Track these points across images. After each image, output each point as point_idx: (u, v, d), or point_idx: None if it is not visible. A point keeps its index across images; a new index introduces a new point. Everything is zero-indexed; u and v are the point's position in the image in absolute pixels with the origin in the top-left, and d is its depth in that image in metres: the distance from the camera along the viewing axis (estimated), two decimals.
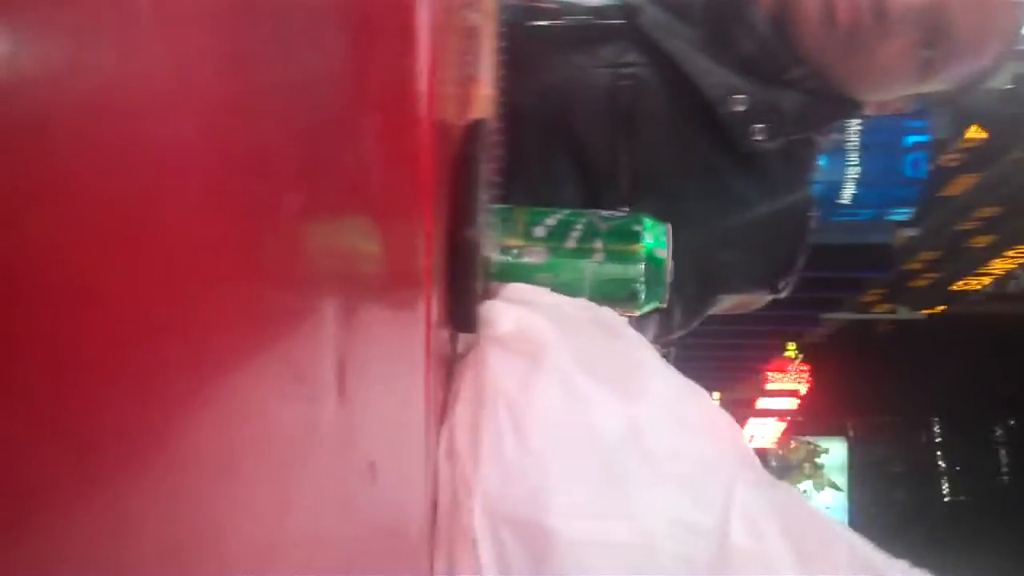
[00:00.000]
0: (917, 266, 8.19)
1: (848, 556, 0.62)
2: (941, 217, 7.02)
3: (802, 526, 0.63)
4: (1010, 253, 7.89)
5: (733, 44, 1.12)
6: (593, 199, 1.09)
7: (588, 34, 1.16)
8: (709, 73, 1.11)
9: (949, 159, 6.06)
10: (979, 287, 8.89)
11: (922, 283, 8.68)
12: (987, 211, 6.98)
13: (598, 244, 0.80)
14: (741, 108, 1.09)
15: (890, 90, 1.15)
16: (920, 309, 9.20)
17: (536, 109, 1.11)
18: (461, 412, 0.64)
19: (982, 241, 7.58)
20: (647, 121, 1.11)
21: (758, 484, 0.65)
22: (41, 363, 0.18)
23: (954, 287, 8.86)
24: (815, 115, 1.14)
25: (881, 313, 9.73)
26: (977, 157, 6.16)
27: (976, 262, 8.18)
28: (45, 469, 0.18)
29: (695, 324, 1.21)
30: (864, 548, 0.64)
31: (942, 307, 9.27)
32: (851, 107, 1.18)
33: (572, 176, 1.11)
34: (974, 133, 5.91)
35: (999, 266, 8.12)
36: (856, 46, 1.07)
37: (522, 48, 1.00)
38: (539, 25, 1.17)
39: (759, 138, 1.10)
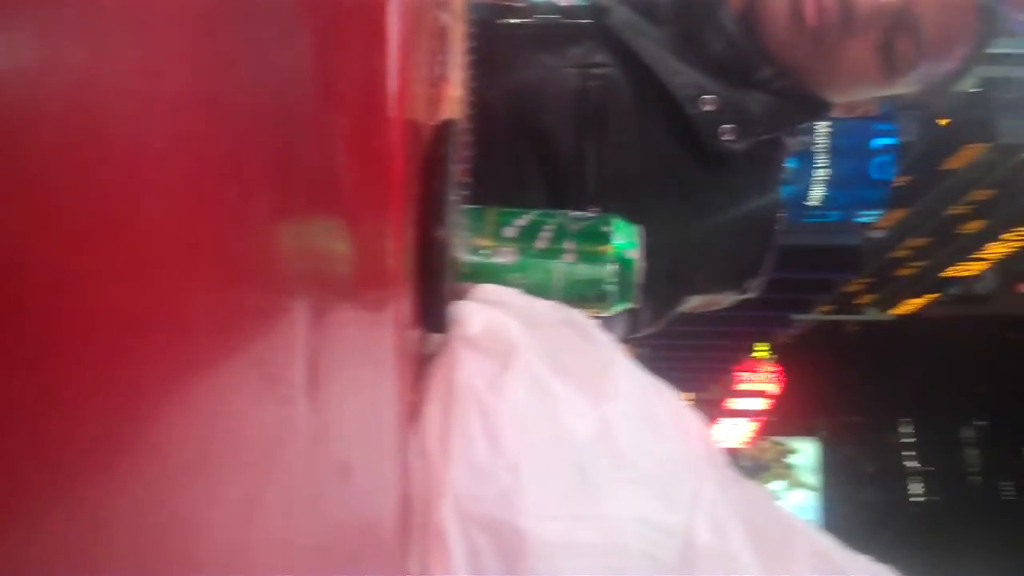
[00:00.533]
0: (904, 254, 8.05)
1: (810, 552, 0.63)
2: (932, 200, 6.85)
3: (764, 523, 0.63)
4: (1006, 236, 7.64)
5: (701, 44, 1.13)
6: (561, 198, 1.09)
7: (557, 34, 1.16)
8: (678, 73, 1.11)
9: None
10: (972, 274, 8.62)
11: (909, 271, 8.52)
12: (981, 195, 6.80)
13: (568, 245, 0.80)
14: (709, 108, 1.10)
15: (858, 90, 1.16)
16: (906, 299, 9.10)
17: (505, 108, 1.11)
18: (432, 413, 0.64)
19: (973, 226, 7.36)
20: (615, 121, 1.11)
21: (724, 483, 0.66)
22: (10, 361, 0.18)
23: (944, 274, 8.65)
24: (783, 116, 1.14)
25: (849, 315, 9.74)
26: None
27: (967, 248, 7.98)
28: (17, 468, 0.18)
29: (663, 323, 1.22)
30: (826, 545, 0.64)
31: (931, 296, 9.08)
32: (819, 108, 1.19)
33: (540, 175, 1.11)
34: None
35: (994, 250, 7.86)
36: (824, 45, 1.07)
37: (491, 47, 1.01)
38: (508, 24, 1.17)
39: (727, 139, 1.10)
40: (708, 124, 1.10)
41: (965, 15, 1.08)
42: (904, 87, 1.13)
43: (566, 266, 0.80)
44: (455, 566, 0.59)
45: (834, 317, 9.88)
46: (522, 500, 0.60)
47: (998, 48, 4.67)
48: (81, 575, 0.21)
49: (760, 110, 1.11)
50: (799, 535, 0.64)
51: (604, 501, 0.61)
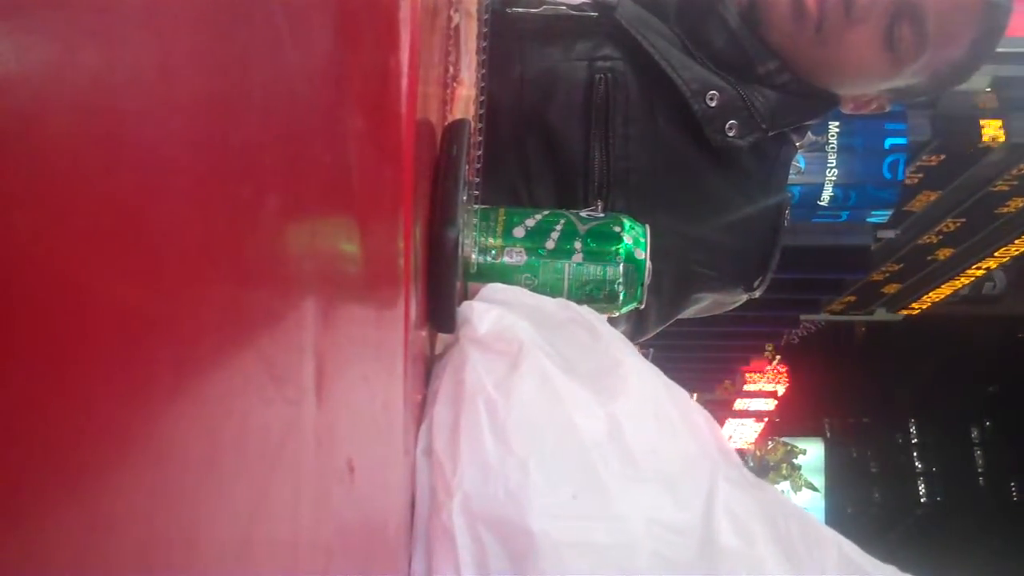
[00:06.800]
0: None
1: (837, 559, 0.63)
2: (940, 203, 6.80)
3: (790, 528, 0.63)
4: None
5: (705, 39, 1.13)
6: (568, 192, 1.10)
7: (565, 27, 1.16)
8: (684, 68, 1.11)
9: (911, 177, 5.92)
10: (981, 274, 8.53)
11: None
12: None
13: (577, 245, 0.80)
14: (715, 104, 1.09)
15: (863, 81, 1.15)
16: (916, 299, 9.05)
17: (512, 100, 1.11)
18: (440, 412, 0.64)
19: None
20: (622, 115, 1.11)
21: (740, 483, 0.65)
22: (22, 362, 0.18)
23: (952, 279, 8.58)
24: (789, 111, 1.14)
25: (859, 315, 9.71)
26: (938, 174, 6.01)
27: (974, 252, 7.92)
28: (27, 467, 0.18)
29: (669, 323, 1.22)
30: (852, 551, 0.64)
31: (939, 296, 9.02)
32: (826, 102, 1.18)
33: (547, 168, 1.11)
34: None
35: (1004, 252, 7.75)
36: (826, 34, 1.07)
37: (499, 39, 1.01)
38: (516, 16, 1.17)
39: (732, 134, 1.10)
40: (713, 120, 1.09)
41: (969, 1, 1.07)
42: (910, 77, 1.12)
43: (575, 266, 0.80)
44: (462, 566, 0.59)
45: (843, 318, 9.85)
46: (531, 500, 0.59)
47: (1010, 47, 4.65)
48: (88, 574, 0.21)
49: (765, 105, 1.11)
50: (826, 540, 0.64)
51: (614, 500, 0.61)
